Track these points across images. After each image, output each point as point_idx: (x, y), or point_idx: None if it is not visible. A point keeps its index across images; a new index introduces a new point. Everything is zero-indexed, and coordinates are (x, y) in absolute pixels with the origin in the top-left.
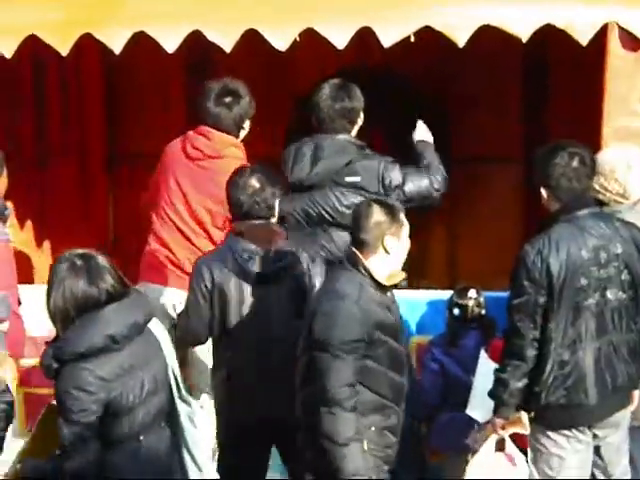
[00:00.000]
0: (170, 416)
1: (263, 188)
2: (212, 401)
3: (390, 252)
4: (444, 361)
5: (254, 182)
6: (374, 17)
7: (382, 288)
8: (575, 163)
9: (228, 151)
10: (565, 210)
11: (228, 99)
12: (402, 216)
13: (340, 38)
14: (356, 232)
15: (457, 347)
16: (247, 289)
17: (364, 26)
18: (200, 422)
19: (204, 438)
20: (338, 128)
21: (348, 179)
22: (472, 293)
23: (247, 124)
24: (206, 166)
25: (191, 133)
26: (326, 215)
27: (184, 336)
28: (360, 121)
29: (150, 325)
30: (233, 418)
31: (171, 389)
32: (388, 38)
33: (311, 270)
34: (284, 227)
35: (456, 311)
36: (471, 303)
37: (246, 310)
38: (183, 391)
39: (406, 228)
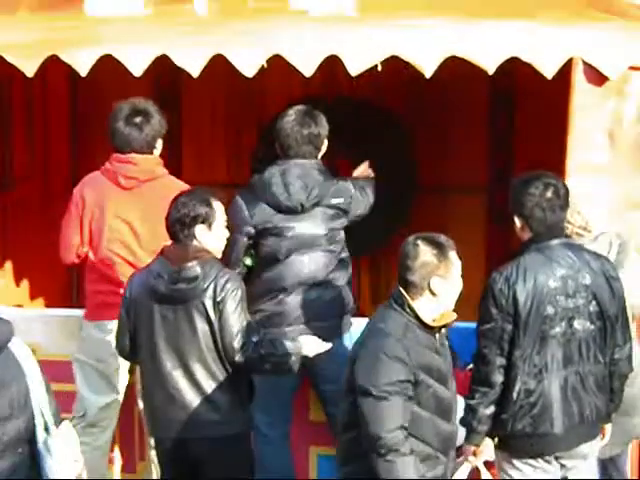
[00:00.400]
0: (29, 443)
1: (178, 211)
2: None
3: (437, 294)
4: None
5: (172, 205)
6: (341, 45)
7: (430, 329)
8: (549, 194)
9: (159, 170)
10: (536, 239)
11: (138, 119)
12: (452, 254)
13: (307, 66)
14: (402, 272)
15: None
16: (155, 308)
17: (331, 54)
18: (57, 450)
19: (61, 466)
20: (304, 154)
21: (332, 202)
22: None
23: (159, 144)
24: (147, 191)
25: (110, 165)
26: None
27: (115, 348)
28: (324, 148)
29: (12, 348)
30: (153, 436)
31: (33, 414)
32: (355, 67)
33: (219, 294)
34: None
35: None
36: None
37: (154, 328)
38: (47, 417)
39: (457, 267)
